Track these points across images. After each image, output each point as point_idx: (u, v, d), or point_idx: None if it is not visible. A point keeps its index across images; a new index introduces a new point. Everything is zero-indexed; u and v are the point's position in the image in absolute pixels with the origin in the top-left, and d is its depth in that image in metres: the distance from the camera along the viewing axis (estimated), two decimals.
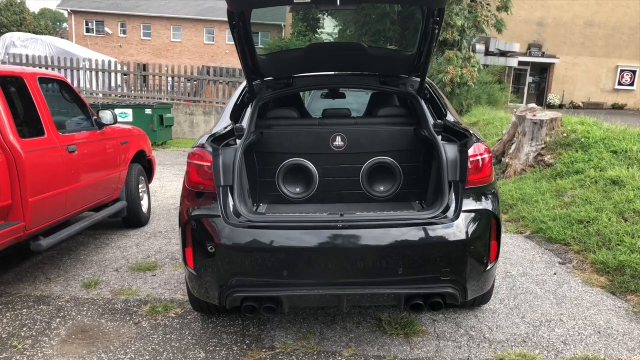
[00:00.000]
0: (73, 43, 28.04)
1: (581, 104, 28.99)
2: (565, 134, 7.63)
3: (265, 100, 3.98)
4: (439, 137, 3.38)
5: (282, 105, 4.78)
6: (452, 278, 2.92)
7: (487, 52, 25.14)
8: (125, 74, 16.68)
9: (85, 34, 38.79)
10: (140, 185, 6.22)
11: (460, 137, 3.29)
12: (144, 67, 17.72)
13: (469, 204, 3.02)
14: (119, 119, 13.50)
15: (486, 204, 3.07)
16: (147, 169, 6.53)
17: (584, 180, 6.37)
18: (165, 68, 16.22)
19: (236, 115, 3.74)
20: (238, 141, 3.36)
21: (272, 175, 4.15)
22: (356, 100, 8.39)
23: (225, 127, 3.43)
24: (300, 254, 2.87)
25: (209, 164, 3.04)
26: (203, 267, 3.01)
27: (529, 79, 31.39)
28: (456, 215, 2.95)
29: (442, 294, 2.98)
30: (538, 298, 4.11)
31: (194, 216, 3.03)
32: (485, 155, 3.11)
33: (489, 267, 3.08)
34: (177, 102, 15.64)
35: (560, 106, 28.38)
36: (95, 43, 37.90)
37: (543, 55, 29.90)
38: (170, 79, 16.40)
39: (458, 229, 2.92)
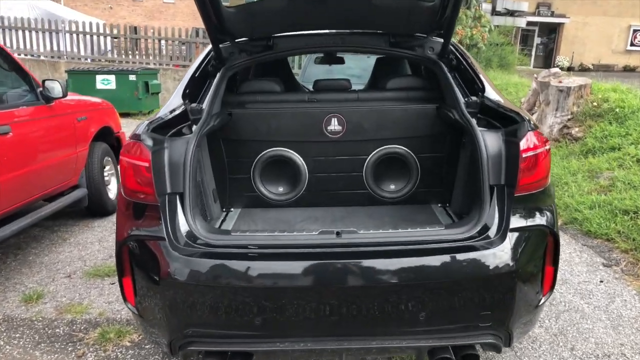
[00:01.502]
0: (61, 5, 26.64)
1: (591, 67, 27.79)
2: (595, 104, 6.69)
3: (236, 69, 3.06)
4: (475, 121, 2.48)
5: (261, 76, 3.85)
6: (494, 323, 2.08)
7: (494, 12, 23.80)
8: (115, 37, 15.54)
9: None
10: (107, 168, 5.34)
11: (506, 121, 2.39)
12: (135, 30, 16.58)
13: (519, 218, 2.16)
14: (101, 86, 12.74)
15: (542, 218, 2.20)
16: (116, 147, 5.61)
17: (622, 159, 5.48)
18: (152, 31, 15.07)
19: (194, 90, 2.82)
20: (194, 128, 2.47)
21: (246, 170, 3.28)
22: (358, 65, 7.36)
23: (174, 110, 2.52)
24: (281, 295, 2.02)
25: (147, 164, 2.15)
26: (147, 306, 2.17)
27: (537, 40, 30.09)
28: (502, 236, 2.09)
29: (480, 344, 2.14)
30: (587, 318, 3.28)
31: (132, 237, 2.16)
32: (543, 149, 2.22)
33: (542, 302, 2.25)
34: (165, 68, 14.57)
35: (570, 69, 27.20)
36: (84, 4, 36.28)
37: (552, 14, 28.62)
38: (158, 42, 15.28)
39: (504, 255, 2.06)
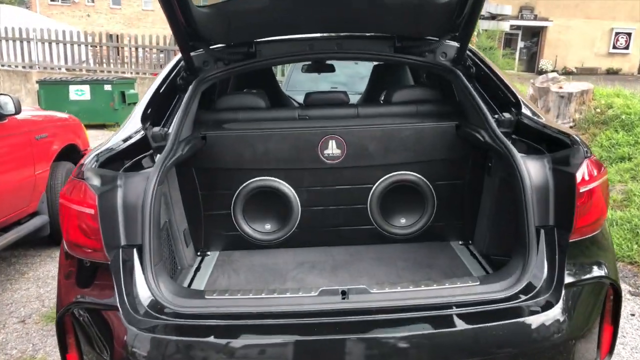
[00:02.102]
0: (37, 13, 25.90)
1: (574, 70, 27.74)
2: (599, 110, 6.31)
3: (211, 81, 2.59)
4: (509, 143, 2.02)
5: (242, 89, 3.37)
6: None
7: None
8: (93, 46, 14.92)
9: (50, 2, 36.32)
10: None
11: (551, 145, 1.93)
12: (111, 37, 15.99)
13: (574, 269, 1.70)
14: (75, 97, 12.13)
15: (602, 267, 1.76)
16: None
17: (635, 170, 5.08)
18: (128, 39, 14.52)
19: (159, 110, 2.33)
20: (157, 158, 1.98)
21: (225, 205, 2.81)
22: (344, 72, 6.86)
23: (130, 136, 2.02)
24: None
25: (92, 210, 1.65)
26: None
27: (520, 44, 30.00)
28: (554, 294, 1.65)
29: None
30: None
31: (77, 305, 1.66)
32: (602, 180, 1.77)
33: None
34: (142, 77, 14.00)
35: (553, 72, 27.15)
36: (61, 12, 35.56)
37: (535, 18, 28.62)
38: (135, 50, 14.71)
39: (558, 319, 1.62)
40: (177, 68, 2.53)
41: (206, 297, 1.76)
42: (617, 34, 28.53)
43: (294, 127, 2.74)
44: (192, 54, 2.46)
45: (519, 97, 2.30)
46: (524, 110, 2.21)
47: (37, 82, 12.10)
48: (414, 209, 2.90)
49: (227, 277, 2.54)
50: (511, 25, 26.32)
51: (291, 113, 2.95)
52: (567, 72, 26.93)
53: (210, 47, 2.53)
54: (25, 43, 14.14)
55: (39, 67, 14.04)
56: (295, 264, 2.62)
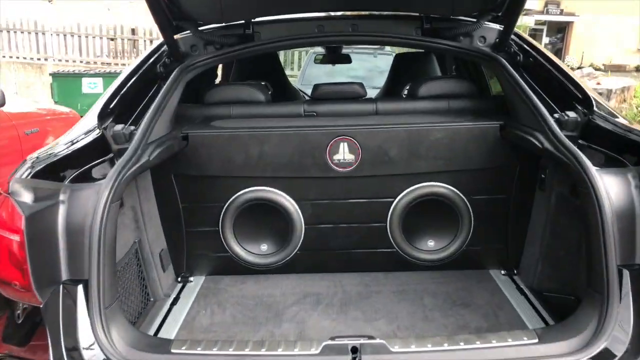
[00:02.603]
0: (53, 4, 25.77)
1: (602, 67, 26.83)
2: None
3: (199, 68, 2.20)
4: (578, 150, 1.59)
5: (242, 79, 2.96)
6: None
7: None
8: (112, 39, 14.69)
9: None
10: None
11: (632, 153, 1.50)
12: (129, 30, 15.73)
13: None
14: (88, 90, 11.88)
15: None
16: None
17: None
18: (142, 31, 14.25)
19: (129, 104, 1.94)
20: (116, 163, 1.58)
21: (212, 220, 2.43)
22: (362, 66, 6.42)
23: (81, 137, 1.63)
24: None
25: (16, 237, 1.25)
26: None
27: (545, 39, 29.12)
28: None
29: None
30: None
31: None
32: None
33: None
34: None
35: (580, 69, 26.36)
36: (78, 4, 35.48)
37: (561, 13, 27.79)
38: (150, 42, 14.43)
39: None
40: (158, 53, 2.12)
41: (172, 351, 1.36)
42: None
43: (297, 127, 2.31)
44: (176, 36, 2.06)
45: (588, 91, 1.85)
46: (597, 108, 1.76)
47: (50, 74, 11.90)
48: (445, 229, 2.48)
49: (209, 314, 2.14)
50: (536, 21, 25.61)
51: (296, 108, 2.55)
52: (594, 69, 26.08)
53: (199, 28, 2.12)
54: (40, 35, 13.96)
55: (54, 60, 13.83)
56: (296, 296, 2.22)
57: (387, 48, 6.49)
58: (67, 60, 14.05)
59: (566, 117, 1.83)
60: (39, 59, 13.88)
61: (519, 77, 2.14)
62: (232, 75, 3.67)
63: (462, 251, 2.51)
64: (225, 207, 2.45)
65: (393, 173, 2.41)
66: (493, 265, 2.56)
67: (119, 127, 1.82)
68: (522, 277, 2.40)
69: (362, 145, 2.35)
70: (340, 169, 2.39)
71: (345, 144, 2.35)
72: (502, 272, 2.53)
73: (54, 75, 11.53)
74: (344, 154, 2.36)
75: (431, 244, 2.54)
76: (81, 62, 14.26)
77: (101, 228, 1.37)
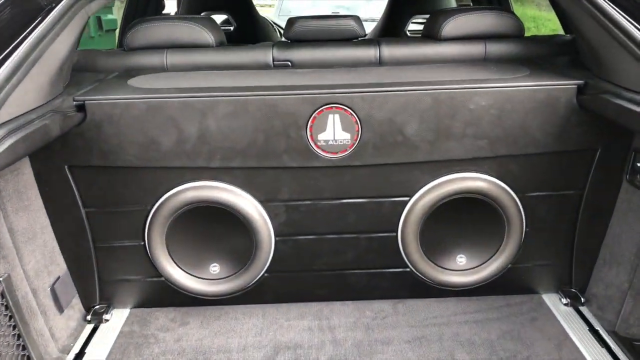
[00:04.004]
0: None
1: None
2: None
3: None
4: None
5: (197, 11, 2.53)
6: None
7: None
8: None
9: None
10: None
11: None
12: None
13: None
14: None
15: None
16: None
17: None
18: None
19: None
20: None
21: (132, 231, 1.70)
22: None
23: None
24: None
25: None
26: None
27: None
28: None
29: None
30: None
31: None
32: None
33: None
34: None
35: None
36: None
37: None
38: None
39: None
40: None
41: None
42: None
43: (259, 91, 1.50)
44: None
45: None
46: None
47: None
48: (483, 240, 1.77)
49: None
50: None
51: (261, 55, 1.82)
52: None
53: None
54: None
55: None
56: (262, 352, 1.54)
57: None
58: None
59: None
60: None
61: (608, 5, 1.36)
62: (182, 4, 2.79)
63: (508, 270, 1.77)
64: (151, 213, 1.64)
65: (410, 161, 1.58)
66: (547, 286, 1.85)
67: None
68: (593, 309, 1.71)
69: (361, 117, 1.52)
70: (329, 155, 1.57)
71: (337, 115, 1.52)
72: (563, 300, 1.78)
73: None
74: (334, 131, 1.53)
75: (462, 261, 1.78)
76: None
77: None
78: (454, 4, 3.27)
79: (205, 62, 1.82)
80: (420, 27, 3.28)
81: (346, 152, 1.56)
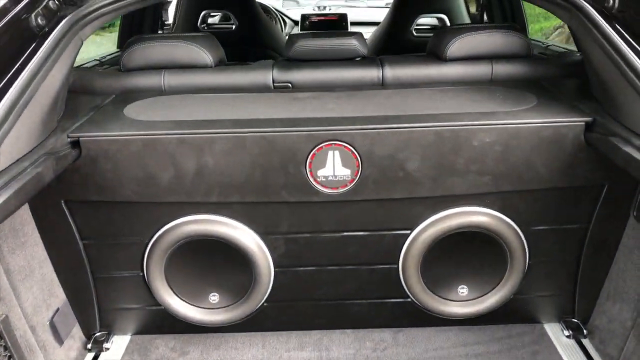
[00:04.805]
0: None
1: None
2: None
3: (106, 15, 1.52)
4: None
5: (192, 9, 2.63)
6: None
7: None
8: None
9: None
10: None
11: None
12: None
13: None
14: None
15: None
16: None
17: None
18: None
19: None
20: None
21: (131, 262, 1.71)
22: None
23: None
24: None
25: None
26: None
27: None
28: None
29: None
30: None
31: None
32: None
33: None
34: None
35: None
36: None
37: None
38: None
39: None
40: None
41: None
42: None
43: (257, 122, 1.53)
44: None
45: None
46: None
47: None
48: (485, 271, 1.78)
49: None
50: None
51: (261, 76, 1.85)
52: None
53: None
54: None
55: None
56: None
57: None
58: None
59: None
60: None
61: (620, 41, 1.33)
62: (181, 4, 2.79)
63: (510, 301, 1.77)
64: (149, 245, 1.64)
65: (411, 196, 1.56)
66: (551, 318, 1.83)
67: None
68: (596, 343, 1.70)
69: (362, 153, 1.51)
70: (329, 190, 1.55)
71: (337, 152, 1.50)
72: (566, 332, 1.77)
73: None
74: (334, 167, 1.51)
75: (463, 292, 1.78)
76: None
77: None
78: (462, 5, 3.23)
79: (203, 83, 1.81)
80: (427, 25, 3.23)
81: (346, 188, 1.54)
